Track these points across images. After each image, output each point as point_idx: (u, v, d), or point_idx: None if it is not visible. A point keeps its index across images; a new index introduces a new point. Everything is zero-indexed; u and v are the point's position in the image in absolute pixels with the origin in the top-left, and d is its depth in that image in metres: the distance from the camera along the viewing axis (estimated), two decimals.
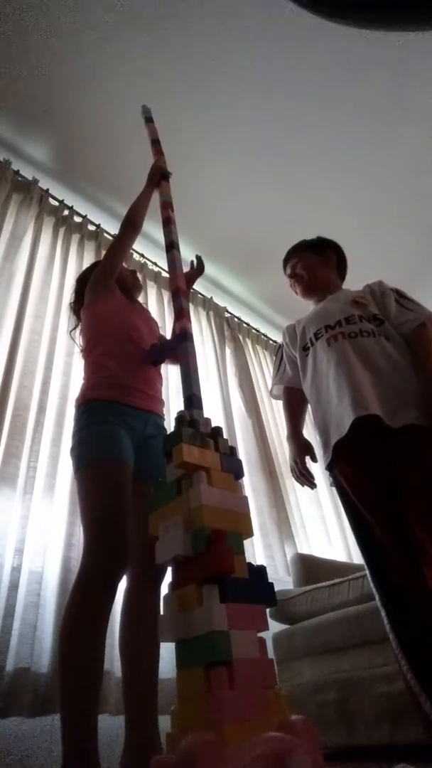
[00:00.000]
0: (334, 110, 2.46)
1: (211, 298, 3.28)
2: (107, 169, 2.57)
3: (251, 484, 2.64)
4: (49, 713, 1.35)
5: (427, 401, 1.27)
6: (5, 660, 1.36)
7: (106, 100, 2.32)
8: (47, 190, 2.51)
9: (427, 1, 0.64)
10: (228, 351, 3.19)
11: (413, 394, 1.29)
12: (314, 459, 1.53)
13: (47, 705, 1.36)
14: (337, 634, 1.66)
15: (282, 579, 2.28)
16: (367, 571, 1.23)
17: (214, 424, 0.79)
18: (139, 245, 2.74)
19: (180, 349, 0.92)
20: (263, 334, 3.65)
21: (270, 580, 0.65)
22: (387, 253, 3.11)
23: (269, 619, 1.03)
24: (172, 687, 1.39)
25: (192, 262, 1.79)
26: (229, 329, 3.32)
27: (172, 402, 2.20)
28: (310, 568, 2.19)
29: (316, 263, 1.69)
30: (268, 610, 0.66)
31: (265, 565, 1.04)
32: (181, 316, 0.99)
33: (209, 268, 3.14)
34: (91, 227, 2.66)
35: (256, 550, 2.37)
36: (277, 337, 3.46)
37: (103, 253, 1.90)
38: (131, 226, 1.56)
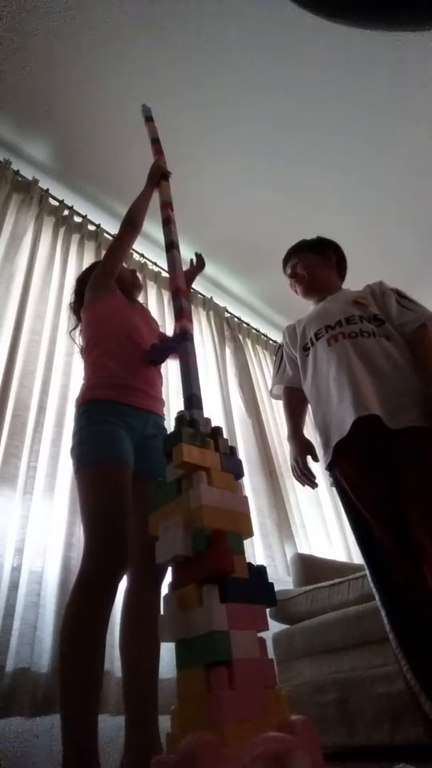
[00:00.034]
0: (334, 110, 2.46)
1: (211, 298, 3.28)
2: (107, 169, 2.57)
3: (251, 484, 2.64)
4: (49, 713, 1.35)
5: (427, 402, 1.27)
6: (5, 660, 1.36)
7: (106, 100, 2.32)
8: (47, 190, 2.51)
9: (427, 1, 0.64)
10: (228, 351, 3.19)
11: (413, 394, 1.29)
12: (315, 458, 1.53)
13: (47, 705, 1.36)
14: (337, 634, 1.66)
15: (282, 579, 2.28)
16: (367, 571, 1.23)
17: (214, 424, 0.79)
18: (139, 245, 2.74)
19: (180, 349, 0.92)
20: (263, 334, 3.65)
21: (270, 580, 0.65)
22: (387, 253, 3.11)
23: (269, 619, 1.03)
24: (172, 687, 1.39)
25: (191, 260, 1.79)
26: (229, 329, 3.32)
27: (172, 402, 2.20)
28: (310, 568, 2.19)
29: (316, 263, 1.69)
30: (268, 610, 0.66)
31: (265, 565, 1.04)
32: (181, 316, 0.99)
33: (209, 268, 3.14)
34: (91, 227, 2.66)
35: (256, 550, 2.37)
36: (277, 337, 3.46)
37: (103, 253, 1.90)
38: (131, 225, 1.56)
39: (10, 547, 1.54)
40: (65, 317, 1.99)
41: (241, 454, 2.62)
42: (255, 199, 2.82)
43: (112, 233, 2.47)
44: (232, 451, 0.76)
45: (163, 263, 2.73)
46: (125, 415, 1.28)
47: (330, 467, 1.38)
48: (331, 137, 2.57)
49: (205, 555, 0.60)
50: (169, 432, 0.83)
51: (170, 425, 0.96)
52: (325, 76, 2.32)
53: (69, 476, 1.74)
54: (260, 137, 2.54)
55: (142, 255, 2.86)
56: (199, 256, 1.77)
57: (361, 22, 0.76)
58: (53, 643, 1.46)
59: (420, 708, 1.04)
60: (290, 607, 1.91)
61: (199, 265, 1.77)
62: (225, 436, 0.78)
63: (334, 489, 1.41)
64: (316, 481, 1.56)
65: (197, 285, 2.97)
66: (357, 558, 2.42)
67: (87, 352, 1.46)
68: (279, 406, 2.33)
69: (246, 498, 0.71)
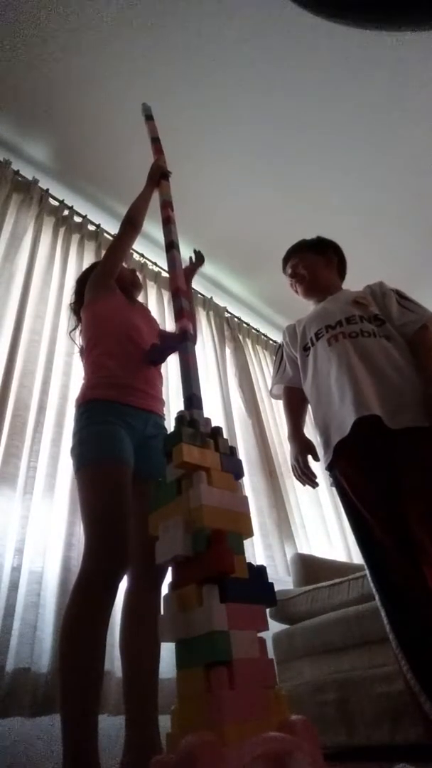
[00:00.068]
0: (334, 110, 2.46)
1: (211, 298, 3.28)
2: (107, 169, 2.57)
3: (251, 484, 2.64)
4: (49, 713, 1.35)
5: (428, 402, 1.27)
6: (5, 660, 1.37)
7: (106, 100, 2.32)
8: (47, 190, 2.51)
9: (427, 1, 0.64)
10: (228, 351, 3.19)
11: (414, 394, 1.30)
12: (316, 458, 1.53)
13: (47, 705, 1.36)
14: (337, 634, 1.66)
15: (282, 579, 2.28)
16: (367, 571, 1.23)
17: (214, 424, 0.79)
18: (139, 245, 2.74)
19: (180, 349, 0.92)
20: (263, 334, 3.65)
21: (270, 580, 0.65)
22: (387, 253, 3.12)
23: (269, 619, 1.03)
24: (172, 687, 1.39)
25: (190, 258, 1.79)
26: (229, 329, 3.32)
27: (172, 402, 2.20)
28: (310, 568, 2.19)
29: (318, 263, 1.69)
30: (268, 610, 0.66)
31: (265, 565, 1.04)
32: (181, 316, 0.98)
33: (209, 268, 3.16)
34: (91, 227, 2.66)
35: (256, 550, 2.37)
36: (277, 337, 3.46)
37: (103, 253, 1.90)
38: (131, 225, 1.56)
39: (10, 547, 1.54)
40: (65, 317, 1.99)
41: (241, 454, 2.62)
42: (255, 199, 2.82)
43: (112, 233, 2.47)
44: (232, 451, 0.76)
45: (163, 263, 2.73)
46: (125, 414, 1.28)
47: (330, 467, 1.38)
48: (331, 137, 2.57)
49: (205, 555, 0.60)
50: (169, 432, 0.83)
51: (170, 425, 0.96)
52: (325, 76, 2.32)
53: (69, 476, 1.74)
54: (260, 137, 2.54)
55: (142, 255, 2.86)
56: (197, 252, 1.77)
57: (361, 22, 0.76)
58: (53, 643, 1.46)
59: (420, 708, 1.04)
60: (290, 607, 1.91)
61: (198, 260, 1.77)
62: (225, 436, 0.78)
63: (334, 489, 1.41)
64: (317, 480, 1.56)
65: (197, 285, 2.97)
66: (357, 558, 2.42)
67: (87, 351, 1.46)
68: (279, 406, 2.33)
69: (246, 498, 0.71)
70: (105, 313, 1.47)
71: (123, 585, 1.16)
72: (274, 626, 1.93)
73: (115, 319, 1.46)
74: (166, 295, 2.86)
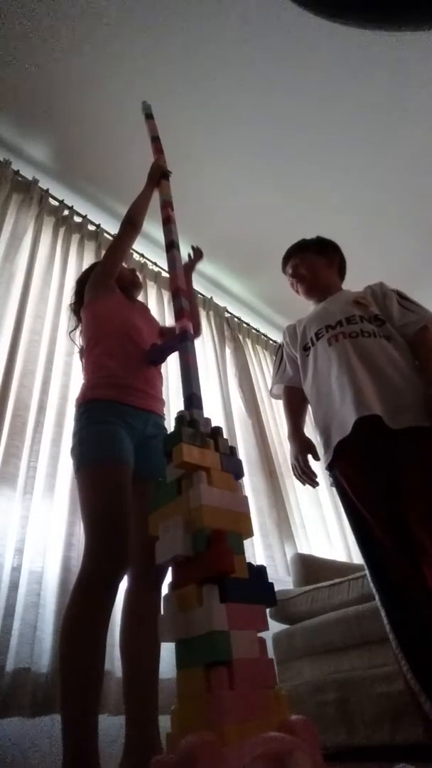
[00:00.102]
0: (334, 110, 2.46)
1: (211, 298, 3.28)
2: (107, 169, 2.57)
3: (251, 484, 2.63)
4: (49, 713, 1.35)
5: (428, 402, 1.27)
6: (5, 660, 1.37)
7: (106, 100, 2.32)
8: (47, 190, 2.51)
9: (427, 1, 0.64)
10: (228, 351, 3.19)
11: (414, 394, 1.30)
12: (316, 457, 1.53)
13: (47, 705, 1.36)
14: (337, 634, 1.66)
15: (282, 579, 2.28)
16: (367, 571, 1.23)
17: (214, 424, 0.79)
18: (139, 245, 2.74)
19: (180, 349, 0.92)
20: (263, 334, 3.65)
21: (270, 580, 0.65)
22: (387, 253, 3.12)
23: (269, 619, 1.03)
24: (172, 687, 1.39)
25: (189, 254, 1.78)
26: (229, 329, 3.32)
27: (172, 402, 2.20)
28: (310, 568, 2.19)
29: (319, 263, 1.69)
30: (268, 610, 0.66)
31: (265, 565, 1.04)
32: (181, 316, 0.99)
33: (209, 268, 3.16)
34: (91, 227, 2.66)
35: (256, 550, 2.37)
36: (277, 337, 3.47)
37: (103, 253, 1.90)
38: (131, 225, 1.56)
39: (10, 547, 1.54)
40: (65, 317, 1.99)
41: (241, 454, 2.62)
42: (255, 199, 2.82)
43: (112, 233, 2.47)
44: (232, 451, 0.76)
45: (163, 263, 2.73)
46: (125, 414, 1.28)
47: (330, 467, 1.38)
48: (331, 137, 2.57)
49: (205, 555, 0.60)
50: (169, 432, 0.83)
51: (170, 425, 0.96)
52: (325, 76, 2.32)
53: (69, 476, 1.74)
54: (260, 137, 2.54)
55: (142, 255, 2.86)
56: (195, 249, 1.78)
57: (361, 22, 0.76)
58: (53, 643, 1.46)
59: (420, 708, 1.04)
60: (290, 607, 1.91)
61: (196, 256, 1.78)
62: (225, 436, 0.78)
63: (334, 489, 1.41)
64: (317, 480, 1.56)
65: (197, 285, 2.96)
66: (357, 558, 2.42)
67: (87, 351, 1.46)
68: (279, 406, 2.33)
69: (246, 498, 0.71)
70: (105, 313, 1.47)
71: (123, 585, 1.16)
72: (274, 626, 1.93)
73: (115, 319, 1.46)
74: (166, 295, 2.86)
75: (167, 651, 1.23)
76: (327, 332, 1.49)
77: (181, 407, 0.82)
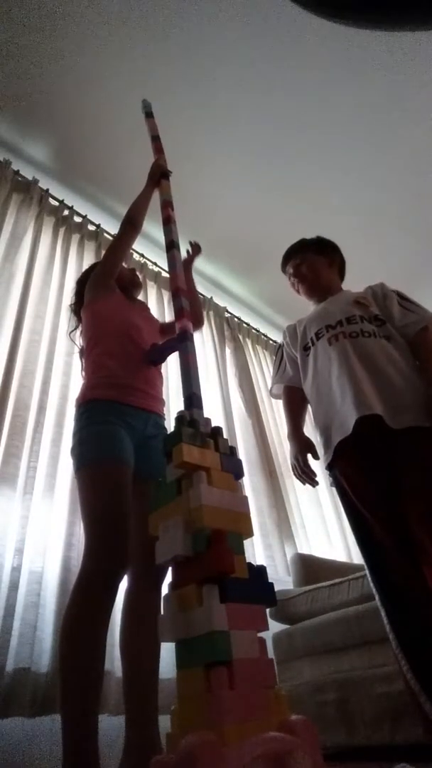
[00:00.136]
0: (334, 110, 2.46)
1: (211, 298, 3.28)
2: (107, 169, 2.57)
3: (251, 484, 2.64)
4: (49, 713, 1.35)
5: (429, 402, 1.27)
6: (5, 660, 1.36)
7: (106, 100, 2.32)
8: (47, 190, 2.51)
9: (427, 1, 0.64)
10: (228, 351, 3.19)
11: (415, 395, 1.30)
12: (316, 456, 1.53)
13: (47, 705, 1.36)
14: (337, 634, 1.66)
15: (282, 579, 2.28)
16: (367, 571, 1.23)
17: (214, 424, 0.79)
18: (139, 245, 2.74)
19: (180, 348, 0.92)
20: (263, 334, 3.65)
21: (270, 580, 0.65)
22: (387, 253, 3.12)
23: (269, 619, 1.03)
24: (172, 687, 1.39)
25: (187, 250, 1.78)
26: (229, 329, 3.32)
27: (172, 402, 2.20)
28: (310, 568, 2.19)
29: (321, 264, 1.69)
30: (268, 610, 0.66)
31: (265, 565, 1.04)
32: (181, 315, 0.99)
33: (209, 268, 3.16)
34: (91, 227, 2.66)
35: (256, 550, 2.37)
36: (277, 337, 3.46)
37: (103, 253, 1.90)
38: (131, 225, 1.56)
39: (10, 547, 1.54)
40: (65, 317, 1.99)
41: (241, 454, 2.62)
42: (255, 199, 2.82)
43: (112, 233, 2.47)
44: (232, 451, 0.76)
45: (163, 263, 2.73)
46: (125, 414, 1.28)
47: (330, 467, 1.38)
48: (331, 137, 2.57)
49: (205, 555, 0.60)
50: (169, 432, 0.83)
51: (170, 425, 0.96)
52: (325, 76, 2.32)
53: (69, 476, 1.74)
54: (260, 137, 2.54)
55: (142, 255, 2.86)
56: (193, 244, 1.78)
57: (361, 22, 0.76)
58: (53, 643, 1.46)
59: (420, 708, 1.04)
60: (290, 607, 1.91)
61: (194, 251, 1.78)
62: (225, 436, 0.78)
63: (334, 489, 1.41)
64: (316, 479, 1.56)
65: (197, 285, 2.96)
66: (357, 558, 2.42)
67: (87, 351, 1.46)
68: (279, 406, 2.32)
69: (246, 498, 0.71)
70: (105, 313, 1.47)
71: (123, 585, 1.16)
72: (274, 626, 1.93)
73: (115, 319, 1.46)
74: (166, 295, 2.86)
75: (167, 651, 1.23)
76: (327, 332, 1.50)
77: (181, 407, 0.82)
